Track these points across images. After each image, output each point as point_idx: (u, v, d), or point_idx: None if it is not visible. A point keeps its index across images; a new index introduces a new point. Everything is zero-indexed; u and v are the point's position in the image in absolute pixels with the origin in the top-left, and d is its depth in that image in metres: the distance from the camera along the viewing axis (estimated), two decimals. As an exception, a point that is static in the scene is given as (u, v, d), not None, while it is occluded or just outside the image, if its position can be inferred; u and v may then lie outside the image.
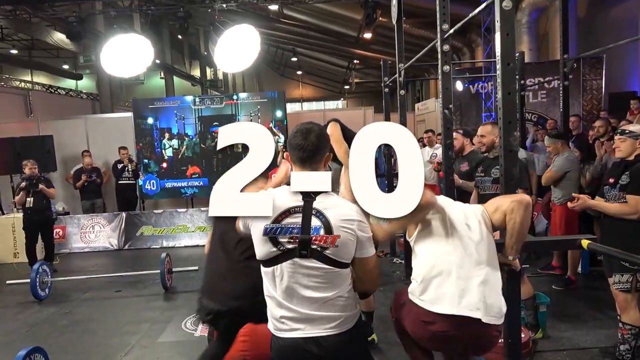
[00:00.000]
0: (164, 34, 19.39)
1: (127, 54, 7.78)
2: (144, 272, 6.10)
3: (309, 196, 1.74)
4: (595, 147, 5.48)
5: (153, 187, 9.13)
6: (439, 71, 3.57)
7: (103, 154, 9.52)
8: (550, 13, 9.95)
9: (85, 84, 23.72)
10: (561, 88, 5.51)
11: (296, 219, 1.72)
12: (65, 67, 23.57)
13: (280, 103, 9.25)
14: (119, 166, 8.80)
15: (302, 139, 1.77)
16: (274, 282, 1.76)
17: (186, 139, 9.14)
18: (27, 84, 19.01)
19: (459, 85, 8.80)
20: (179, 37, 20.86)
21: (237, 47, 7.52)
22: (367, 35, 15.14)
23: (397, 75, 5.45)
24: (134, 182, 8.94)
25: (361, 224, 1.76)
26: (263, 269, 1.80)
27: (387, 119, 6.22)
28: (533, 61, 9.72)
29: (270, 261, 1.75)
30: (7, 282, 5.87)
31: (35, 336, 4.50)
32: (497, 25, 2.36)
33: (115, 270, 6.82)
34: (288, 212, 1.73)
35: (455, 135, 4.73)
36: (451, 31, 3.48)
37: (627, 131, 3.20)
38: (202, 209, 8.49)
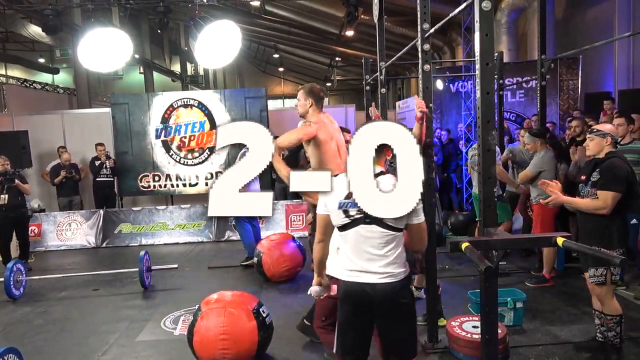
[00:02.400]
0: (143, 28, 19.11)
1: (105, 48, 7.72)
2: (122, 270, 6.01)
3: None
4: (569, 149, 5.59)
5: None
6: (420, 70, 3.60)
7: (80, 150, 9.34)
8: (528, 14, 10.11)
9: (62, 78, 23.24)
10: (538, 88, 5.61)
11: None
12: (42, 60, 23.05)
13: (260, 100, 9.19)
14: (97, 163, 8.65)
15: None
16: (347, 242, 2.28)
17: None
18: (1, 78, 18.54)
19: (440, 84, 8.87)
20: (159, 31, 20.55)
21: (218, 43, 7.50)
22: (349, 33, 15.15)
23: (378, 73, 5.47)
24: (112, 179, 8.79)
25: None
26: (338, 232, 2.31)
27: (368, 117, 6.25)
28: (512, 61, 9.87)
29: (343, 227, 2.26)
30: (-20, 281, 5.72)
31: (9, 336, 4.41)
32: (477, 25, 2.38)
33: (93, 268, 6.71)
34: None
35: None
36: (432, 30, 3.50)
37: (595, 130, 3.33)
38: (182, 206, 8.41)
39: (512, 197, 5.86)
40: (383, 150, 2.24)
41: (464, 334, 3.45)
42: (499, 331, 2.88)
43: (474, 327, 3.47)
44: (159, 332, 4.32)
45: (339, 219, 2.27)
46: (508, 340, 3.49)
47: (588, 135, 3.35)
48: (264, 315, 3.60)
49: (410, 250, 2.34)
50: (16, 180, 6.36)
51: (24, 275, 5.65)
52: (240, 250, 6.68)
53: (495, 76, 6.03)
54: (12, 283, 5.36)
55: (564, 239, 2.20)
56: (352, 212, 2.22)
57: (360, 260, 2.27)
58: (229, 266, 6.39)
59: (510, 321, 3.90)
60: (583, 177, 3.33)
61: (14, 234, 6.67)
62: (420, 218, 2.26)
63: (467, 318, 3.69)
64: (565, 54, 6.78)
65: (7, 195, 6.30)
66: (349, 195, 2.14)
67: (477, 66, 2.43)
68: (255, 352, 3.48)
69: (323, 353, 3.47)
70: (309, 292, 2.56)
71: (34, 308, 5.18)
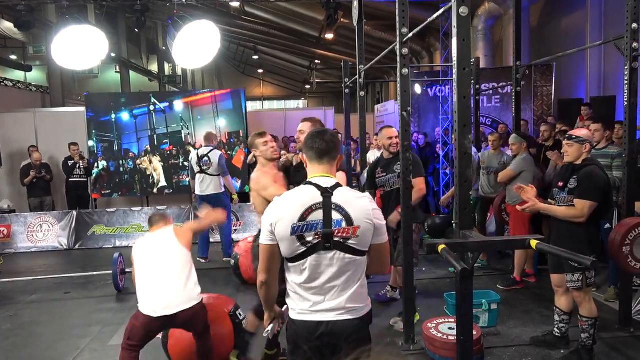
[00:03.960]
0: (120, 26, 18.77)
1: (80, 46, 7.56)
2: (96, 272, 5.89)
3: (327, 192, 1.87)
4: (543, 153, 5.72)
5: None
6: (398, 74, 3.63)
7: (53, 150, 9.12)
8: (504, 21, 10.31)
9: (35, 75, 22.64)
10: (513, 93, 5.72)
11: (318, 215, 1.85)
12: (13, 57, 22.41)
13: (238, 103, 9.15)
14: (70, 163, 8.46)
15: (320, 137, 1.96)
16: (299, 276, 1.90)
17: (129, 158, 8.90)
18: (-29, 74, 17.97)
19: (418, 88, 8.97)
20: (136, 30, 20.24)
21: (197, 43, 7.42)
22: (329, 36, 15.19)
23: (357, 76, 5.49)
24: (85, 179, 8.61)
25: (376, 212, 1.91)
26: (288, 264, 1.92)
27: (348, 119, 6.27)
28: (488, 67, 10.05)
29: (297, 257, 1.88)
30: (-55, 283, 5.53)
31: (-25, 341, 4.26)
32: (454, 30, 2.42)
33: (65, 271, 6.54)
34: (310, 209, 1.85)
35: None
36: (410, 35, 3.54)
37: (574, 137, 3.34)
38: (158, 207, 8.28)
39: (484, 201, 5.95)
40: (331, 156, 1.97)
41: (440, 335, 3.48)
42: (474, 332, 2.92)
43: (450, 328, 3.51)
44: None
45: (292, 248, 1.86)
46: (483, 341, 3.54)
47: (566, 142, 3.36)
48: (241, 318, 3.56)
49: (370, 273, 2.03)
50: None
51: (-8, 278, 5.48)
52: (217, 252, 6.63)
53: (472, 81, 6.13)
54: (-21, 286, 5.19)
55: (537, 242, 2.24)
56: (309, 237, 1.85)
57: (315, 294, 1.89)
58: (206, 269, 6.32)
59: (485, 323, 3.96)
60: (560, 184, 3.36)
61: None
62: (384, 237, 1.96)
63: (443, 320, 3.72)
64: (540, 60, 6.93)
65: None
66: (304, 215, 1.84)
67: (454, 71, 2.46)
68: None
69: None
70: (264, 334, 2.22)
71: (1, 312, 5.02)
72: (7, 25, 14.19)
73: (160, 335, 3.58)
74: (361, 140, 6.16)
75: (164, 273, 3.06)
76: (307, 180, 1.94)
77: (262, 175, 3.32)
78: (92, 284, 5.78)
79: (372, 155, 7.08)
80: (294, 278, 1.92)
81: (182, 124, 8.89)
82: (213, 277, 6.04)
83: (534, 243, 2.24)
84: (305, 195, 1.88)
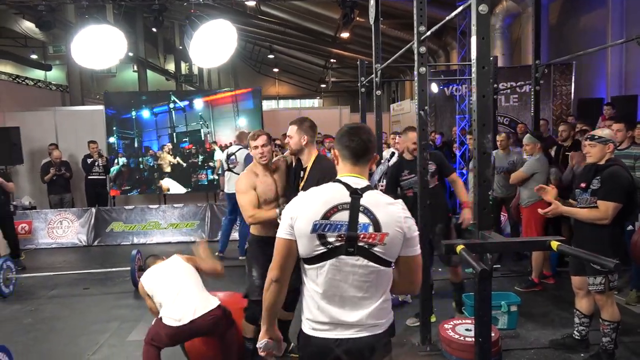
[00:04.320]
0: (137, 26, 19.01)
1: (99, 45, 7.66)
2: (114, 269, 5.97)
3: (356, 193, 1.73)
4: (563, 154, 5.64)
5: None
6: (415, 73, 3.61)
7: (72, 148, 9.27)
8: (522, 19, 10.18)
9: (55, 75, 23.05)
10: (532, 93, 5.65)
11: (344, 216, 1.70)
12: (34, 57, 22.85)
13: (256, 101, 9.18)
14: (89, 160, 8.59)
15: (356, 135, 1.79)
16: (317, 281, 1.73)
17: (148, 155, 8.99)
18: (-7, 74, 18.36)
19: (434, 87, 8.91)
20: (154, 30, 20.45)
21: (213, 42, 7.47)
22: (345, 35, 15.18)
23: (373, 75, 5.48)
24: (104, 177, 8.74)
25: (408, 220, 1.75)
26: (305, 266, 1.76)
27: (363, 118, 6.25)
28: (506, 65, 9.93)
29: (315, 259, 1.72)
30: (-31, 278, 5.64)
31: (-2, 334, 4.36)
32: (473, 28, 2.39)
33: (84, 267, 6.65)
34: (336, 209, 1.71)
35: (397, 139, 4.78)
36: (428, 33, 3.51)
37: (596, 137, 3.27)
38: (175, 205, 8.36)
39: (494, 201, 5.88)
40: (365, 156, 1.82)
41: (457, 336, 3.46)
42: (492, 334, 2.89)
43: (467, 329, 3.48)
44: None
45: (310, 247, 1.71)
46: (501, 343, 3.50)
47: (589, 142, 3.29)
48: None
49: (397, 292, 1.87)
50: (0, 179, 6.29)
51: (14, 272, 5.59)
52: (234, 249, 6.68)
53: (490, 80, 6.06)
54: (1, 281, 5.30)
55: (559, 243, 2.21)
56: (331, 237, 1.69)
57: (334, 305, 1.72)
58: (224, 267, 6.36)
59: (504, 325, 3.92)
60: (583, 185, 3.29)
61: (0, 231, 6.60)
62: (416, 250, 1.77)
63: (460, 321, 3.70)
64: (559, 59, 6.84)
65: None
66: (328, 214, 1.70)
67: (473, 69, 2.44)
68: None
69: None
70: (258, 346, 1.94)
71: (23, 306, 5.12)
72: (28, 25, 14.48)
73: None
74: (377, 139, 6.14)
75: (178, 286, 3.16)
76: (337, 178, 1.81)
77: (244, 176, 3.33)
78: (110, 280, 5.86)
79: (386, 154, 7.04)
80: (311, 283, 1.76)
81: (201, 122, 8.94)
82: (229, 275, 6.06)
83: (554, 244, 2.21)
84: (333, 193, 1.75)
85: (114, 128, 8.93)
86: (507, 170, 5.51)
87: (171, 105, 8.97)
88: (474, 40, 2.38)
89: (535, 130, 5.50)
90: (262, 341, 1.91)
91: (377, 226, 1.69)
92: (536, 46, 5.54)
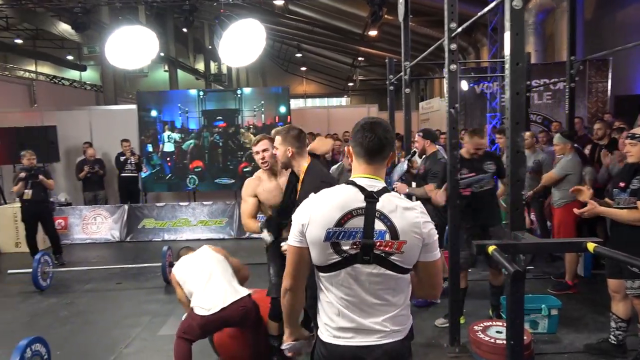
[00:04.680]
0: (168, 26, 19.37)
1: (132, 46, 7.84)
2: (146, 264, 6.10)
3: (372, 197, 1.61)
4: (599, 153, 5.46)
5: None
6: (446, 70, 3.56)
7: (106, 146, 9.51)
8: (557, 14, 9.90)
9: (89, 75, 23.71)
10: (567, 90, 5.49)
11: (359, 222, 1.60)
12: (70, 57, 23.56)
13: (284, 98, 9.23)
14: (122, 158, 8.80)
15: (371, 131, 1.65)
16: (332, 289, 1.65)
17: (191, 139, 9.10)
18: (31, 74, 19.03)
19: (464, 85, 8.77)
20: (184, 30, 20.81)
21: (243, 42, 7.55)
22: (372, 33, 15.09)
23: (402, 73, 5.42)
24: (136, 174, 8.94)
25: (427, 225, 1.64)
26: (320, 274, 1.67)
27: (392, 117, 6.20)
28: (539, 62, 9.69)
29: (329, 267, 1.63)
30: (9, 271, 5.87)
31: (36, 326, 4.52)
32: (507, 24, 2.34)
33: (117, 262, 6.83)
34: (350, 215, 1.60)
35: (416, 138, 4.71)
36: (459, 30, 3.46)
37: (637, 135, 3.16)
38: (204, 203, 8.49)
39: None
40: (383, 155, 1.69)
41: (487, 338, 3.40)
42: (525, 337, 2.83)
43: (498, 332, 3.42)
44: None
45: (324, 255, 1.62)
46: (533, 347, 3.43)
47: (629, 141, 3.19)
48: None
49: (416, 297, 1.78)
50: (40, 176, 6.43)
51: (51, 267, 5.79)
52: (260, 248, 6.72)
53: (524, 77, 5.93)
54: (39, 274, 5.49)
55: (595, 245, 2.14)
56: (346, 245, 1.60)
57: (350, 314, 1.64)
58: (249, 264, 6.41)
59: (544, 329, 3.82)
60: (622, 184, 3.19)
61: (41, 227, 6.75)
62: (436, 254, 1.68)
63: (490, 322, 3.63)
64: (595, 55, 6.60)
65: (31, 191, 6.38)
66: (342, 221, 1.59)
67: (507, 66, 2.38)
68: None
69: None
70: (283, 348, 1.93)
71: (59, 299, 5.30)
72: (65, 27, 14.93)
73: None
74: (406, 138, 6.08)
75: (207, 275, 3.22)
76: (350, 179, 1.69)
77: (247, 182, 3.32)
78: (142, 276, 6.00)
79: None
80: (325, 292, 1.67)
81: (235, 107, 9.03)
82: (258, 272, 6.13)
83: (591, 246, 2.14)
84: (346, 197, 1.63)
85: (166, 126, 9.09)
86: (533, 169, 5.37)
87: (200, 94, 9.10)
88: (507, 36, 2.33)
89: (569, 129, 5.35)
90: (287, 343, 1.87)
91: (394, 233, 1.60)
92: (571, 42, 5.38)
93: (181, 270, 3.37)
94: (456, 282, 3.64)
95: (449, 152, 3.60)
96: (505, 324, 2.81)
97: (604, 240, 3.65)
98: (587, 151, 5.69)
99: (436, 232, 1.68)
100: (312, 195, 1.71)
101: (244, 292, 3.22)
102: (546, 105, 8.80)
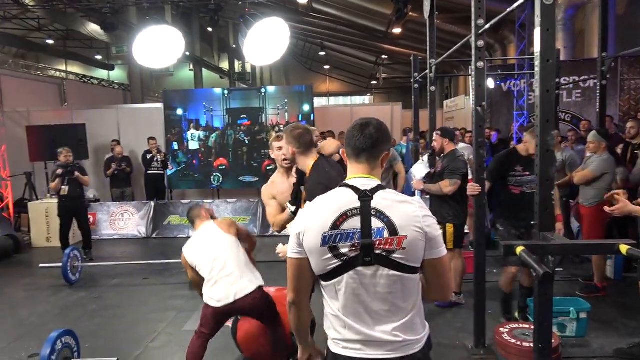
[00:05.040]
0: (194, 26, 19.62)
1: (159, 45, 7.96)
2: (171, 260, 6.19)
3: (365, 195, 1.56)
4: (632, 152, 5.31)
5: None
6: (473, 67, 3.50)
7: (133, 144, 9.69)
8: (587, 10, 9.66)
9: (117, 74, 24.22)
10: (598, 87, 5.35)
11: (355, 223, 1.54)
12: (98, 57, 24.11)
13: (307, 97, 9.25)
14: (148, 156, 8.96)
15: (359, 131, 1.62)
16: (336, 297, 1.58)
17: (215, 133, 9.21)
18: (62, 74, 19.53)
19: (491, 83, 8.64)
20: (209, 29, 21.04)
21: (267, 40, 7.59)
22: (397, 31, 14.99)
23: (427, 71, 5.37)
24: (162, 172, 9.09)
25: (428, 219, 1.56)
26: (322, 284, 1.61)
27: (416, 115, 6.15)
28: (568, 59, 9.47)
29: (330, 274, 1.56)
30: (40, 265, 6.04)
31: (66, 319, 4.64)
32: (537, 20, 2.29)
33: (143, 257, 6.95)
34: (345, 216, 1.54)
35: (434, 137, 4.65)
36: (487, 27, 3.40)
37: None
38: (228, 200, 8.57)
39: None
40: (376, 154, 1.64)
41: (513, 341, 3.33)
42: (553, 340, 2.77)
43: (525, 334, 3.35)
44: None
45: (323, 262, 1.55)
46: (561, 350, 3.35)
47: None
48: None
49: (427, 301, 1.68)
50: (76, 173, 6.57)
51: (80, 261, 5.93)
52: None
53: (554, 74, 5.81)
54: (69, 269, 5.64)
55: (629, 247, 2.08)
56: (344, 248, 1.53)
57: (360, 322, 1.56)
58: (273, 261, 6.45)
59: (572, 332, 3.74)
60: None
61: (75, 223, 6.87)
62: (441, 251, 1.58)
63: (517, 325, 3.56)
64: (628, 52, 6.41)
65: (67, 187, 6.52)
66: (337, 223, 1.53)
67: (537, 63, 2.34)
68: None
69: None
70: None
71: (88, 293, 5.43)
72: (94, 28, 15.26)
73: (230, 324, 3.72)
74: (430, 137, 6.02)
75: (222, 265, 3.14)
76: (344, 182, 1.64)
77: (265, 187, 3.27)
78: (167, 272, 6.09)
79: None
80: (331, 301, 1.60)
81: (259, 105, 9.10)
82: (280, 269, 6.16)
83: (624, 248, 2.08)
84: (340, 199, 1.57)
85: (191, 124, 9.23)
86: (556, 169, 5.25)
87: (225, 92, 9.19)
88: (537, 32, 2.28)
89: (601, 128, 5.22)
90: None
91: (392, 229, 1.52)
92: (603, 38, 5.25)
93: (192, 253, 3.27)
94: (481, 281, 3.59)
95: (475, 151, 3.55)
96: (532, 327, 2.75)
97: (636, 242, 3.56)
98: (618, 150, 5.53)
99: (439, 227, 1.60)
100: (307, 203, 1.68)
101: (254, 284, 3.14)
102: (575, 104, 8.60)
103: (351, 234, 1.53)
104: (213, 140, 9.19)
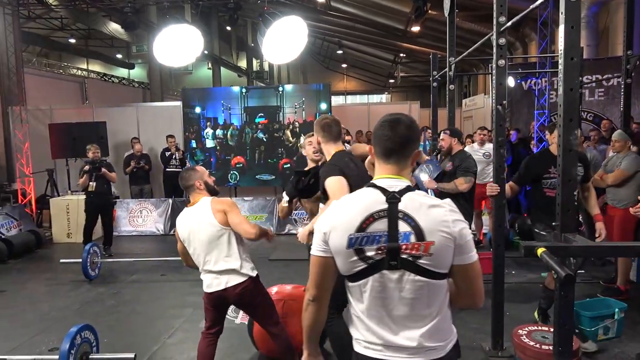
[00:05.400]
0: (212, 25, 19.78)
1: (178, 44, 8.04)
2: (188, 257, 6.24)
3: (393, 197, 1.51)
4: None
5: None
6: (494, 65, 3.45)
7: (152, 141, 9.81)
8: (611, 7, 9.45)
9: (137, 72, 24.55)
10: (622, 86, 5.23)
11: (382, 225, 1.49)
12: (119, 56, 24.47)
13: (325, 95, 9.23)
14: (167, 154, 9.05)
15: (389, 129, 1.56)
16: (361, 299, 1.55)
17: (230, 128, 9.27)
18: (83, 72, 19.87)
19: (511, 81, 8.51)
20: (228, 28, 21.19)
21: (285, 39, 7.60)
22: (415, 29, 14.87)
23: (447, 69, 5.31)
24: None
25: (458, 223, 1.49)
26: (348, 284, 1.58)
27: (435, 114, 6.09)
28: (591, 57, 9.27)
29: (356, 276, 1.53)
30: (61, 260, 6.14)
31: (85, 314, 4.72)
32: (562, 17, 2.24)
33: (161, 254, 7.03)
34: (372, 218, 1.50)
35: (442, 136, 4.62)
36: (508, 24, 3.35)
37: None
38: (245, 198, 8.61)
39: None
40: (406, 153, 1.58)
41: (532, 343, 3.28)
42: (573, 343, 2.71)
43: (544, 337, 3.30)
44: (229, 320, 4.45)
45: (349, 264, 1.52)
46: (581, 354, 3.29)
47: None
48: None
49: (457, 307, 1.62)
50: (102, 169, 6.63)
51: (99, 257, 6.02)
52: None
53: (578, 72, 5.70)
54: (88, 264, 5.73)
55: (655, 250, 2.03)
56: (370, 251, 1.49)
57: (383, 327, 1.53)
58: (289, 259, 6.47)
59: (613, 333, 3.66)
60: None
61: (100, 219, 6.93)
62: (472, 256, 1.52)
63: (535, 327, 3.51)
64: (655, 49, 6.27)
65: (95, 183, 6.60)
66: (363, 225, 1.50)
67: (561, 61, 2.28)
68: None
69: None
70: None
71: (107, 289, 5.51)
72: (115, 27, 15.51)
73: (246, 322, 3.73)
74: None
75: (205, 250, 2.95)
76: (371, 182, 1.59)
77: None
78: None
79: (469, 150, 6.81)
80: (356, 302, 1.58)
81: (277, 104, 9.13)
82: (296, 267, 6.17)
83: (649, 251, 2.03)
84: (367, 200, 1.53)
85: (208, 123, 9.31)
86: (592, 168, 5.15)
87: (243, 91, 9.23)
88: (562, 29, 2.23)
89: (625, 127, 5.10)
90: None
91: (419, 234, 1.47)
92: (628, 35, 5.12)
93: (183, 231, 3.04)
94: (500, 282, 3.54)
95: (495, 150, 3.49)
96: (551, 329, 2.70)
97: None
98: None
99: (470, 231, 1.54)
100: (333, 202, 1.64)
101: (242, 276, 2.95)
102: (598, 102, 8.42)
103: (377, 237, 1.49)
104: (229, 135, 9.24)
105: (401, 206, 1.50)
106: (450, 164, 4.49)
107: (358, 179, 2.65)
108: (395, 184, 1.54)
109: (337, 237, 1.52)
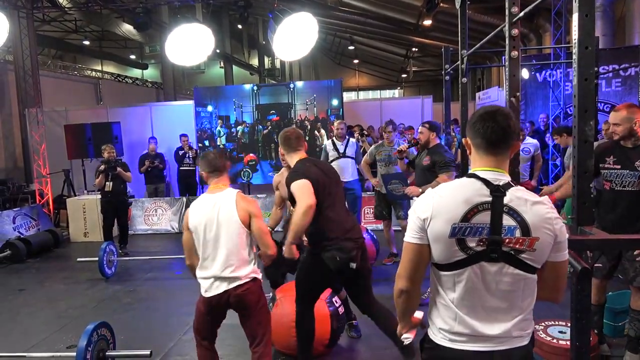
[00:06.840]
0: (224, 24, 19.84)
1: (190, 43, 8.07)
2: (202, 255, 6.28)
3: (498, 191, 1.52)
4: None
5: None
6: (507, 57, 3.38)
7: (166, 140, 9.88)
8: (628, -5, 9.23)
9: (151, 73, 24.75)
10: (639, 76, 5.11)
11: (485, 218, 1.50)
12: (132, 57, 24.69)
13: (336, 91, 9.21)
14: (180, 153, 9.11)
15: (492, 120, 1.54)
16: (453, 288, 1.56)
17: (242, 126, 9.29)
18: (98, 73, 20.09)
19: (525, 73, 8.38)
20: (239, 26, 21.23)
21: (296, 35, 7.58)
22: (427, 22, 14.73)
23: (459, 62, 5.24)
24: (194, 168, 9.23)
25: (559, 221, 1.53)
26: (440, 273, 1.57)
27: (448, 107, 6.02)
28: (607, 47, 9.09)
29: (453, 265, 1.54)
30: (78, 259, 6.23)
31: (102, 311, 4.78)
32: (575, 5, 2.19)
33: (176, 252, 7.07)
34: (476, 209, 1.51)
35: (420, 129, 4.59)
36: (521, 14, 3.28)
37: None
38: (258, 195, 8.63)
39: None
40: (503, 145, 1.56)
41: (549, 339, 3.24)
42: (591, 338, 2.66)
43: (561, 332, 3.25)
44: (235, 317, 4.42)
45: (448, 252, 1.53)
46: (599, 349, 3.23)
47: None
48: (337, 305, 3.60)
49: (540, 300, 1.65)
50: (118, 169, 6.70)
51: (115, 256, 6.09)
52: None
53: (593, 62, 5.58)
54: (105, 263, 5.80)
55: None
56: (471, 242, 1.50)
57: (474, 317, 1.54)
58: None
59: None
60: None
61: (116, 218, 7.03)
62: (565, 254, 1.58)
63: (552, 322, 3.46)
64: (673, 37, 6.12)
65: (111, 183, 6.69)
66: (468, 215, 1.50)
67: (575, 50, 2.23)
68: (328, 340, 3.50)
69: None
70: (405, 339, 2.04)
71: (123, 287, 5.57)
72: (128, 28, 15.64)
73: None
74: (462, 130, 5.90)
75: (215, 244, 2.78)
76: (471, 172, 1.59)
77: (277, 175, 3.85)
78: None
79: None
80: (445, 291, 1.58)
81: (288, 102, 9.13)
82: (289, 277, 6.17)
83: (669, 243, 1.98)
84: (469, 191, 1.53)
85: (219, 121, 9.36)
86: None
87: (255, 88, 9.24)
88: (575, 17, 2.18)
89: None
90: (406, 335, 1.88)
91: (525, 230, 1.49)
92: (645, 24, 5.00)
93: (198, 217, 2.81)
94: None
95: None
96: (568, 324, 2.65)
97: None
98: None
99: (566, 230, 1.57)
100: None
101: (242, 279, 2.80)
102: (615, 93, 8.25)
103: (480, 229, 1.50)
104: (240, 132, 9.26)
105: (506, 200, 1.51)
106: (428, 158, 4.54)
107: (324, 177, 3.05)
108: (498, 177, 1.55)
109: (439, 225, 1.52)
